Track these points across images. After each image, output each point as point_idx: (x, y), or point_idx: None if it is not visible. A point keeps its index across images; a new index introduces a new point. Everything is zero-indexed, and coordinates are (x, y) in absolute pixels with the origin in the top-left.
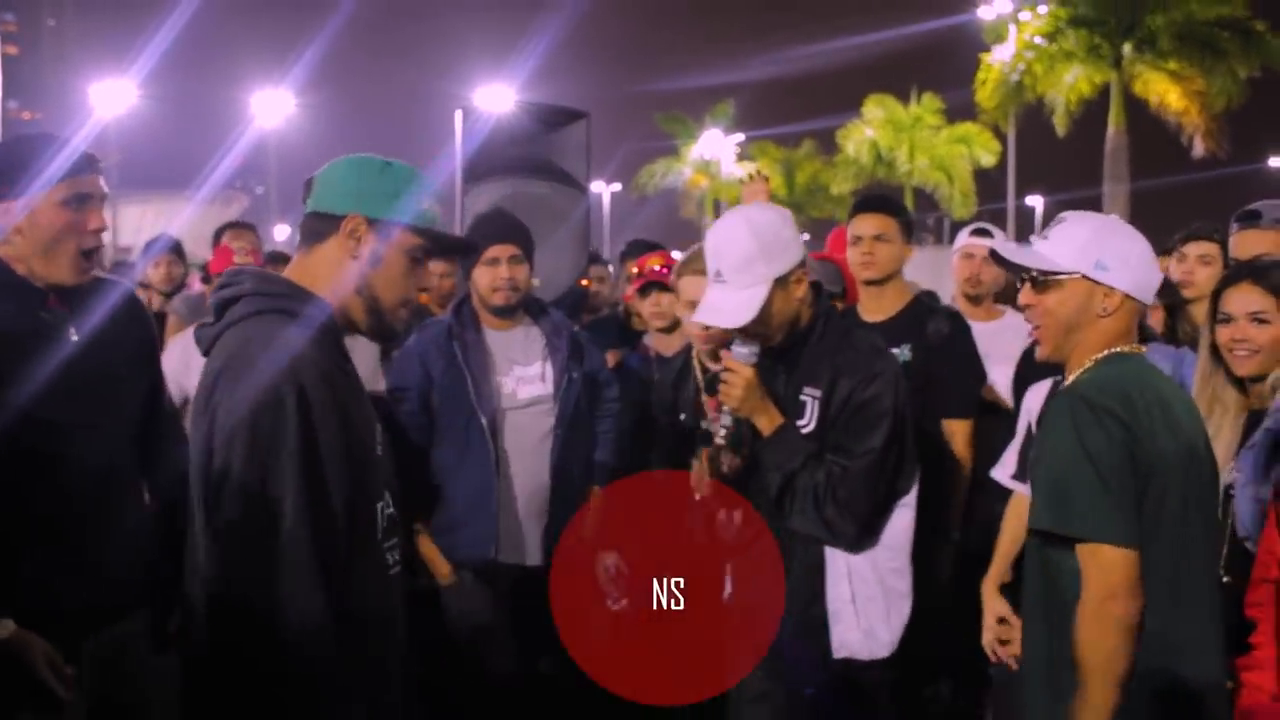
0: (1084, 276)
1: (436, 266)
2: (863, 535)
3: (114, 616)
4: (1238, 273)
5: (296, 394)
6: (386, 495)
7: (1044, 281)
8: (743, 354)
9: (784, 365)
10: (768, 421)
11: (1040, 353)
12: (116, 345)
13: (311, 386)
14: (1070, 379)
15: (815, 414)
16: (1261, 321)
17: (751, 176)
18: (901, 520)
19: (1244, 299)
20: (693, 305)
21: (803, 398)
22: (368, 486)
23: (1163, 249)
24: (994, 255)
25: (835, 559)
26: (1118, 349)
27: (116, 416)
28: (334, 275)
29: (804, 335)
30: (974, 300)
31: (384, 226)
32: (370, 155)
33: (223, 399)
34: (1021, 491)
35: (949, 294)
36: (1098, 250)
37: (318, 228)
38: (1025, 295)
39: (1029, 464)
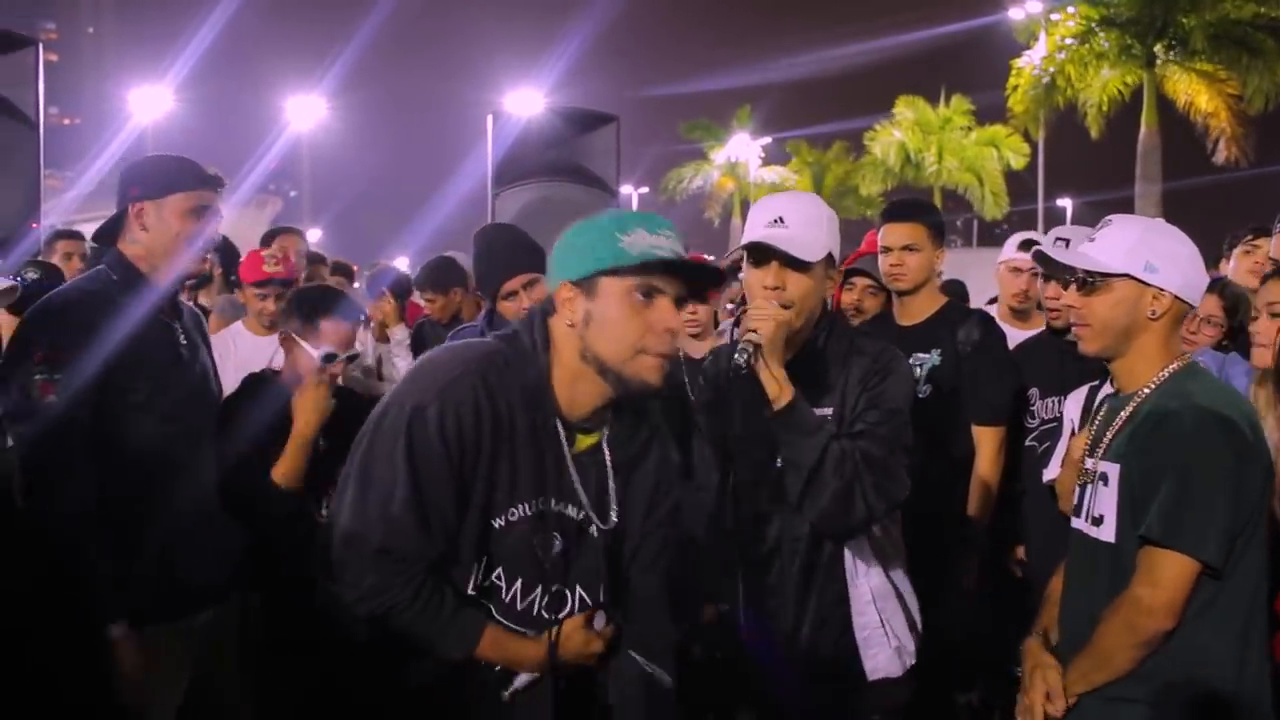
0: (1133, 278)
1: None
2: (883, 514)
3: (220, 597)
4: (1275, 271)
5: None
6: None
7: (1092, 283)
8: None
9: (793, 381)
10: (777, 388)
11: (1084, 348)
12: (202, 353)
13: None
14: (1147, 389)
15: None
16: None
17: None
18: (895, 524)
19: (1277, 291)
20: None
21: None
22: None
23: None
24: (1038, 257)
25: (857, 586)
26: (1187, 360)
27: (207, 414)
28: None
29: (810, 345)
30: (1021, 315)
31: (587, 282)
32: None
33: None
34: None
35: (974, 297)
36: (1147, 252)
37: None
38: (1071, 297)
39: (1128, 473)
